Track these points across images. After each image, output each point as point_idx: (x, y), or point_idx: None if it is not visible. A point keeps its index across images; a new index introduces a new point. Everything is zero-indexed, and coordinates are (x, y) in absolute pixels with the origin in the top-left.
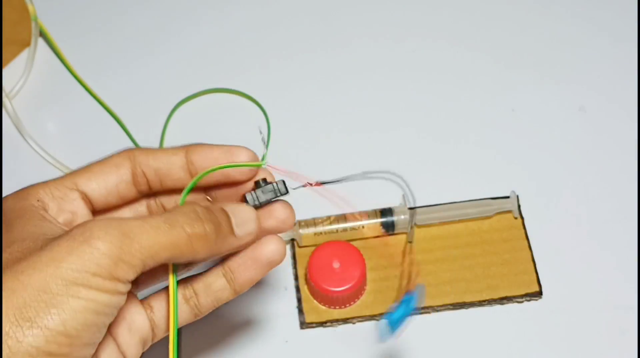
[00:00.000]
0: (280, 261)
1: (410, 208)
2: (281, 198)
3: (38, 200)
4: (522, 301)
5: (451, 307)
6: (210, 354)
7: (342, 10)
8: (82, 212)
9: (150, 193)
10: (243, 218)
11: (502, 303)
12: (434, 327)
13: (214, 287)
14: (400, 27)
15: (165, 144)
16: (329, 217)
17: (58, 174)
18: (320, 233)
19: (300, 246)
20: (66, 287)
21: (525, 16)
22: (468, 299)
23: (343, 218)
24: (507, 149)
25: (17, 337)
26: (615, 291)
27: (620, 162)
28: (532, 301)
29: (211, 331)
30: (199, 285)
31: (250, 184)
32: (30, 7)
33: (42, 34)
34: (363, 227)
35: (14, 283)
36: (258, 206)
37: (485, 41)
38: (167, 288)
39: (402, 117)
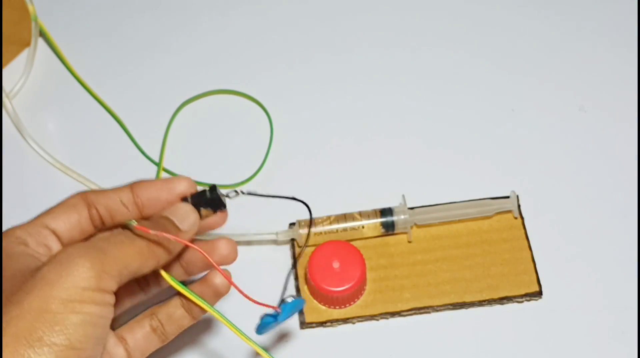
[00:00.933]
0: (227, 292)
1: (410, 208)
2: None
3: (17, 238)
4: (522, 301)
5: (451, 307)
6: (209, 354)
7: (347, 16)
8: (55, 245)
9: (105, 228)
10: (182, 214)
11: (502, 303)
12: (434, 327)
13: (175, 316)
14: (401, 29)
15: (168, 145)
16: (329, 217)
17: (58, 174)
18: (320, 233)
19: (300, 246)
20: (64, 305)
21: (525, 16)
22: (468, 299)
23: (343, 218)
24: (507, 149)
25: (32, 357)
26: (615, 292)
27: (620, 162)
28: (532, 301)
29: (211, 330)
30: (162, 315)
31: None
32: (30, 7)
33: (42, 34)
34: (363, 227)
35: (18, 311)
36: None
37: (485, 42)
38: (134, 319)
39: (403, 118)
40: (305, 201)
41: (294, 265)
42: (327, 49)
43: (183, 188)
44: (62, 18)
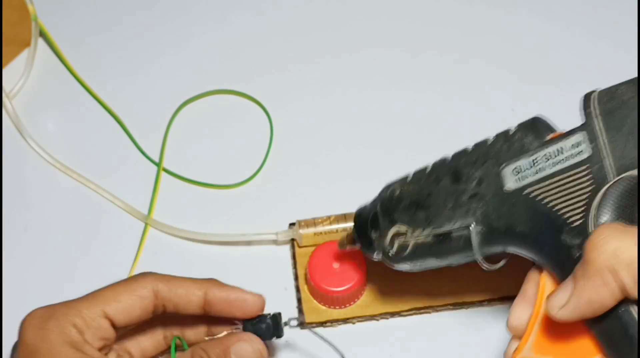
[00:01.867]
0: None
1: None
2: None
3: (74, 326)
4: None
5: (451, 307)
6: None
7: (348, 17)
8: (111, 336)
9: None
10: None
11: (503, 303)
12: (434, 327)
13: None
14: (401, 31)
15: (168, 145)
16: (329, 217)
17: (58, 174)
18: (321, 233)
19: (300, 246)
20: None
21: (525, 16)
22: (468, 299)
23: (343, 218)
24: None
25: None
26: None
27: None
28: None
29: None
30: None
31: None
32: (30, 7)
33: (42, 34)
34: None
35: None
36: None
37: (485, 42)
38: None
39: (404, 118)
40: (304, 200)
41: (294, 265)
42: (328, 49)
43: (254, 311)
44: (62, 18)
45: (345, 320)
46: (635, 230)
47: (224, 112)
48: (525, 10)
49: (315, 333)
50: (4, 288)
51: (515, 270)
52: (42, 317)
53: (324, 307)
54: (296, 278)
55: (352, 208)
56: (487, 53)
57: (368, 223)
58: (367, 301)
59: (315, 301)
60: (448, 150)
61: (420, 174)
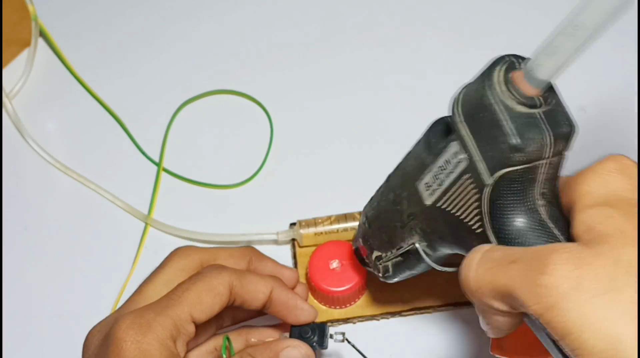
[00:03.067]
0: None
1: None
2: None
3: (171, 338)
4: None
5: (452, 307)
6: None
7: (347, 16)
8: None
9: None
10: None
11: None
12: (435, 327)
13: None
14: (402, 30)
15: (168, 145)
16: (329, 217)
17: (58, 174)
18: (321, 233)
19: (300, 246)
20: None
21: (525, 15)
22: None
23: (344, 217)
24: None
25: None
26: None
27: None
28: None
29: None
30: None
31: None
32: (30, 7)
33: (42, 34)
34: None
35: None
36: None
37: (484, 41)
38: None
39: (405, 119)
40: (305, 200)
41: (295, 265)
42: (329, 50)
43: (307, 321)
44: (62, 18)
45: (345, 320)
46: None
47: (224, 112)
48: (525, 8)
49: (355, 347)
50: (4, 288)
51: None
52: (140, 327)
53: (324, 307)
54: None
55: (353, 208)
56: (487, 52)
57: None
58: (367, 301)
59: (315, 301)
60: None
61: (377, 196)
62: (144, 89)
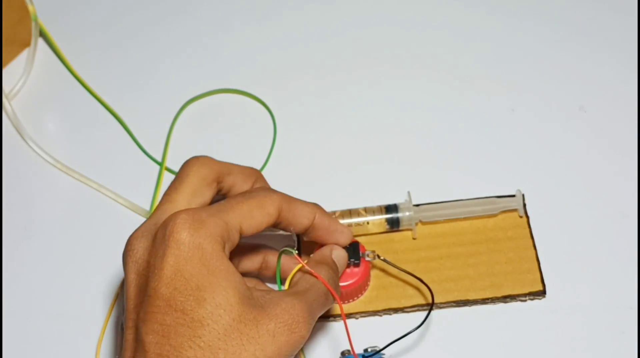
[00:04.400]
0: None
1: (415, 205)
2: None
3: (221, 237)
4: (525, 300)
5: (454, 304)
6: None
7: (351, 17)
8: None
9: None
10: (341, 262)
11: (506, 302)
12: (437, 324)
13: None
14: (403, 29)
15: (171, 144)
16: (334, 212)
17: (58, 174)
18: None
19: (305, 240)
20: None
21: (525, 15)
22: (471, 297)
23: (348, 213)
24: (509, 149)
25: None
26: (617, 291)
27: (621, 161)
28: (535, 300)
29: None
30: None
31: None
32: (30, 7)
33: (42, 34)
34: (368, 223)
35: None
36: None
37: (485, 41)
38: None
39: (406, 118)
40: (307, 199)
41: (298, 248)
42: (332, 50)
43: (345, 243)
44: (62, 18)
45: (348, 316)
46: None
47: (227, 111)
48: (525, 9)
49: (387, 261)
50: (4, 288)
51: (520, 269)
52: (194, 222)
53: None
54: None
55: (357, 205)
56: (488, 52)
57: None
58: (370, 297)
59: None
60: (452, 149)
61: None
62: (145, 89)
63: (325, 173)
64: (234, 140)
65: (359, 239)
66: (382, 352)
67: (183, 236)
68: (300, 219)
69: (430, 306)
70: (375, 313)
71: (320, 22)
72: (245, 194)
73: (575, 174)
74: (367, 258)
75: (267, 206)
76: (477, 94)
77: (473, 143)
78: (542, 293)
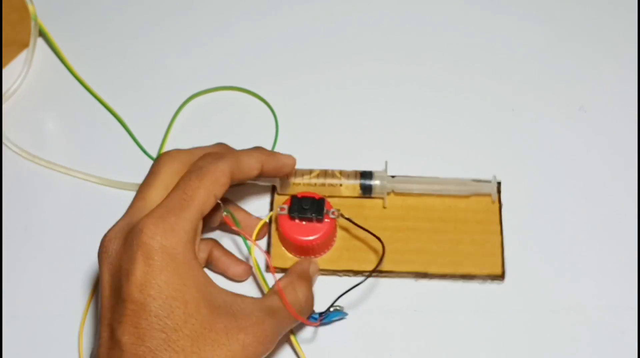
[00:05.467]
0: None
1: (391, 176)
2: None
3: (192, 240)
4: (483, 281)
5: (413, 275)
6: None
7: (354, 16)
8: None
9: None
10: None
11: (464, 280)
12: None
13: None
14: (404, 28)
15: (170, 143)
16: (311, 171)
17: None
18: (299, 183)
19: (279, 194)
20: None
21: (526, 15)
22: (431, 270)
23: (323, 173)
24: (502, 144)
25: None
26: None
27: (620, 162)
28: (493, 283)
29: None
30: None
31: None
32: (30, 7)
33: (42, 34)
34: (341, 185)
35: None
36: None
37: (485, 40)
38: None
39: (406, 120)
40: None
41: (271, 210)
42: (334, 48)
43: (291, 167)
44: (62, 18)
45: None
46: None
47: (228, 109)
48: (526, 8)
49: (350, 219)
50: (4, 288)
51: (483, 251)
52: (165, 232)
53: (290, 255)
54: (270, 222)
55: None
56: (488, 52)
57: None
58: (333, 256)
59: (283, 248)
60: (449, 149)
61: None
62: (144, 89)
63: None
64: (235, 139)
65: (330, 200)
66: (344, 311)
67: (155, 245)
68: (250, 172)
69: (381, 258)
70: (334, 272)
71: (322, 20)
72: (197, 174)
73: (576, 174)
74: (331, 216)
75: (220, 179)
76: (476, 93)
77: (471, 138)
78: (500, 277)
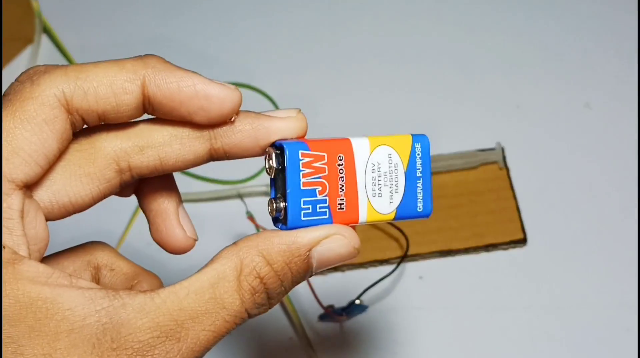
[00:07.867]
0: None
1: None
2: None
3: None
4: (507, 248)
5: (438, 255)
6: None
7: (357, 14)
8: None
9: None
10: None
11: (488, 251)
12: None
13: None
14: (407, 27)
15: None
16: None
17: None
18: None
19: None
20: None
21: (532, 13)
22: (455, 246)
23: None
24: (507, 141)
25: None
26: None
27: (624, 157)
28: (516, 249)
29: None
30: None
31: None
32: (34, 4)
33: (46, 31)
34: None
35: None
36: None
37: (491, 38)
38: None
39: (407, 119)
40: None
41: None
42: (337, 47)
43: (226, 114)
44: (66, 14)
45: (335, 269)
46: None
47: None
48: (532, 6)
49: None
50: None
51: (501, 218)
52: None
53: None
54: None
55: None
56: (494, 49)
57: None
58: None
59: None
60: (450, 147)
61: None
62: None
63: None
64: None
65: None
66: (366, 304)
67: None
68: (115, 100)
69: (406, 251)
70: (361, 265)
71: (325, 18)
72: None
73: (578, 171)
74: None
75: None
76: (481, 91)
77: (476, 135)
78: (523, 241)
